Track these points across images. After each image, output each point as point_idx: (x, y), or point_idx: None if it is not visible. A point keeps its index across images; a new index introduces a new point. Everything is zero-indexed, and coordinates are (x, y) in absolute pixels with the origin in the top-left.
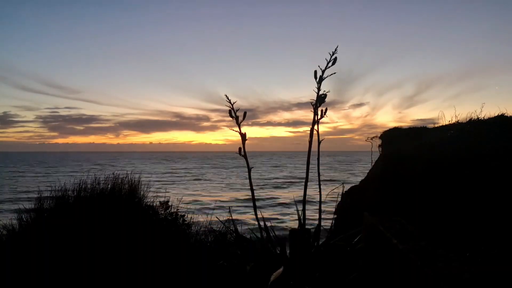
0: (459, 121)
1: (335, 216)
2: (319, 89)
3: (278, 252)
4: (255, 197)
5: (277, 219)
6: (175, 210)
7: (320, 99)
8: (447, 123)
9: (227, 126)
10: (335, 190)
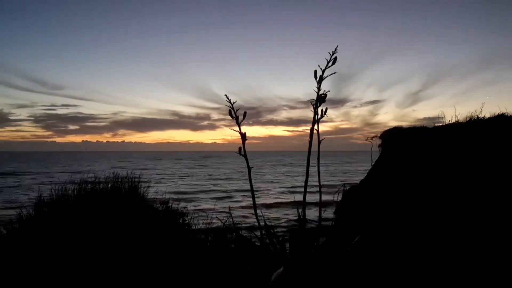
0: (459, 121)
1: (336, 216)
2: (319, 88)
3: (278, 252)
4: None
5: (278, 218)
6: (175, 209)
7: (320, 99)
8: (447, 122)
9: (227, 126)
10: (335, 192)
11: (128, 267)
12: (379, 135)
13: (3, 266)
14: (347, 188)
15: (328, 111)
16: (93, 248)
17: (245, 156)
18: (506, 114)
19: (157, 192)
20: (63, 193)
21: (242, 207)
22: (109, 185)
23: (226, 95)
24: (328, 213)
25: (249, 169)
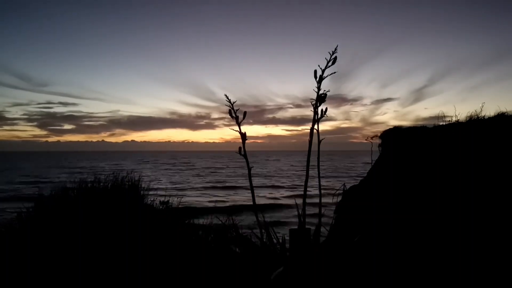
0: (459, 121)
1: (335, 215)
2: (319, 88)
3: (278, 251)
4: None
5: (278, 218)
6: (175, 209)
7: (320, 98)
8: (447, 122)
9: (226, 125)
10: (335, 189)
11: (130, 264)
12: (379, 134)
13: (2, 264)
14: (347, 188)
15: (329, 110)
16: (94, 246)
17: (245, 156)
18: (506, 113)
19: (157, 193)
20: (64, 192)
21: (242, 207)
22: (109, 185)
23: (226, 95)
24: (328, 213)
25: (249, 169)
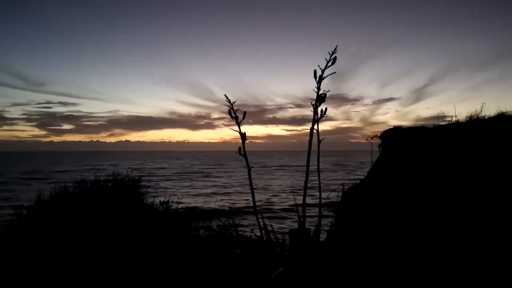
0: (459, 121)
1: (335, 215)
2: (318, 88)
3: (278, 251)
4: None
5: (277, 218)
6: (175, 209)
7: (320, 98)
8: (447, 122)
9: (226, 125)
10: (335, 190)
11: (130, 264)
12: (379, 134)
13: (2, 264)
14: (347, 188)
15: (329, 110)
16: (94, 245)
17: (245, 156)
18: (506, 113)
19: (156, 191)
20: (64, 192)
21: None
22: (110, 185)
23: (225, 95)
24: (328, 213)
25: (249, 169)
